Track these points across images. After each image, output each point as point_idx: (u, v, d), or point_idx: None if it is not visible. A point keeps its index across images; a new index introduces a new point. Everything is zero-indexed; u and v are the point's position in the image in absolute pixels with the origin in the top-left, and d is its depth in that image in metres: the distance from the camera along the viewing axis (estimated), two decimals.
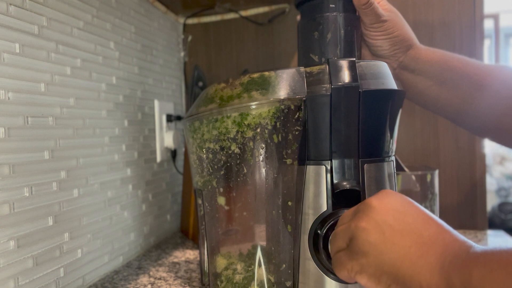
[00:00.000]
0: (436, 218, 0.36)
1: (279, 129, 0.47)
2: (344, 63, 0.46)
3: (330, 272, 0.47)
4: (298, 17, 0.59)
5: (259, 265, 0.51)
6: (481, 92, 0.54)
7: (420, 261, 0.33)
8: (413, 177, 0.72)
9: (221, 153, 0.50)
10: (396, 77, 0.52)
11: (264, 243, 0.51)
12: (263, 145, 0.48)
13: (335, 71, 0.46)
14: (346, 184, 0.46)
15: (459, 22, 0.88)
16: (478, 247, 0.32)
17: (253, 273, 0.51)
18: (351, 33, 0.53)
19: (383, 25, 0.54)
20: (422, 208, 0.37)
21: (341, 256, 0.39)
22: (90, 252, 0.64)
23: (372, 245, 0.36)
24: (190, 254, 0.79)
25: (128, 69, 0.77)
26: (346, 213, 0.41)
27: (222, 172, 0.51)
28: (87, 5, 0.64)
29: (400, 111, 0.52)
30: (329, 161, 0.47)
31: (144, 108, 0.82)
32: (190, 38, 1.05)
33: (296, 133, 0.47)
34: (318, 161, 0.47)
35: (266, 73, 0.48)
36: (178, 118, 0.95)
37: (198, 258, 0.76)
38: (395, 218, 0.36)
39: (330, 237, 0.44)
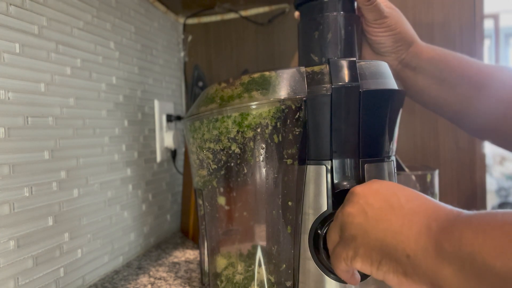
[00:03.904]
0: (423, 195, 0.36)
1: (279, 129, 0.47)
2: (344, 63, 0.46)
3: (330, 272, 0.47)
4: (296, 15, 0.59)
5: (259, 265, 0.51)
6: (480, 93, 0.54)
7: (403, 230, 0.33)
8: (413, 177, 0.72)
9: (221, 153, 0.50)
10: (397, 75, 0.52)
11: (264, 243, 0.51)
12: (264, 145, 0.48)
13: (336, 71, 0.46)
14: (346, 184, 0.46)
15: (459, 22, 0.88)
16: (469, 212, 0.31)
17: (253, 273, 0.51)
18: (351, 33, 0.53)
19: (385, 21, 0.54)
20: (409, 189, 0.37)
21: (336, 249, 0.39)
22: (90, 252, 0.64)
23: (358, 226, 0.36)
24: (190, 254, 0.79)
25: (128, 69, 0.77)
26: (338, 210, 0.42)
27: (222, 172, 0.51)
28: (87, 5, 0.64)
29: (401, 111, 0.52)
30: (330, 161, 0.47)
31: (144, 108, 0.82)
32: (190, 38, 1.05)
33: (297, 133, 0.47)
34: (318, 161, 0.47)
35: (267, 73, 0.48)
36: (178, 118, 0.95)
37: (198, 258, 0.76)
38: (376, 198, 0.37)
39: (326, 235, 0.44)
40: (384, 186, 0.38)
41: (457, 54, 0.57)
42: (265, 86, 0.47)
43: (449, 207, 0.33)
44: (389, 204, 0.36)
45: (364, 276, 0.46)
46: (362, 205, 0.37)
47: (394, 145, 0.52)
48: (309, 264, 0.48)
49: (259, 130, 0.48)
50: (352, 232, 0.37)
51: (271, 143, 0.48)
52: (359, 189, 0.39)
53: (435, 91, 0.57)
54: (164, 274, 0.68)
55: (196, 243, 0.86)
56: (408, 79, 0.58)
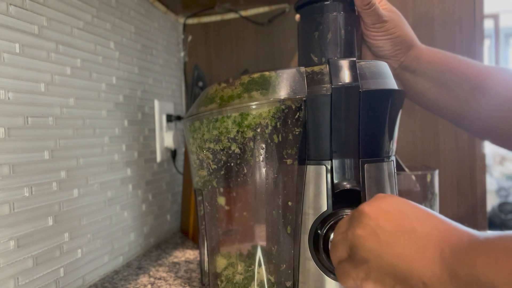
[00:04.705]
0: (433, 213, 0.36)
1: (279, 129, 0.47)
2: (344, 63, 0.46)
3: (330, 272, 0.47)
4: (297, 17, 0.59)
5: (259, 265, 0.51)
6: (480, 95, 0.54)
7: (417, 256, 0.33)
8: (413, 177, 0.72)
9: (221, 153, 0.50)
10: (397, 78, 0.52)
11: (264, 243, 0.51)
12: (263, 145, 0.48)
13: (336, 71, 0.46)
14: (346, 184, 0.46)
15: (459, 22, 0.88)
16: (480, 234, 0.31)
17: (253, 273, 0.51)
18: (351, 33, 0.53)
19: (384, 25, 0.54)
20: (418, 206, 0.37)
21: (344, 265, 0.38)
22: (90, 252, 0.64)
23: (370, 250, 0.36)
24: (190, 254, 0.79)
25: (128, 69, 0.77)
26: (342, 221, 0.41)
27: (222, 172, 0.51)
28: (87, 5, 0.64)
29: (400, 111, 0.52)
30: (330, 161, 0.47)
31: (144, 108, 0.82)
32: (190, 38, 1.05)
33: (296, 133, 0.47)
34: (318, 161, 0.47)
35: (267, 73, 0.48)
36: (178, 118, 0.95)
37: (198, 258, 0.76)
38: (387, 220, 0.36)
39: (330, 247, 0.43)
40: (392, 205, 0.38)
41: (457, 56, 0.57)
42: (265, 86, 0.47)
43: (460, 227, 0.33)
44: (400, 227, 0.35)
45: None
46: (373, 227, 0.36)
47: (394, 145, 0.52)
48: (309, 264, 0.48)
49: (259, 130, 0.48)
50: (364, 254, 0.36)
51: (271, 143, 0.48)
52: (367, 209, 0.38)
53: (435, 93, 0.57)
54: (164, 274, 0.68)
55: (196, 243, 0.86)
56: (408, 81, 0.58)
